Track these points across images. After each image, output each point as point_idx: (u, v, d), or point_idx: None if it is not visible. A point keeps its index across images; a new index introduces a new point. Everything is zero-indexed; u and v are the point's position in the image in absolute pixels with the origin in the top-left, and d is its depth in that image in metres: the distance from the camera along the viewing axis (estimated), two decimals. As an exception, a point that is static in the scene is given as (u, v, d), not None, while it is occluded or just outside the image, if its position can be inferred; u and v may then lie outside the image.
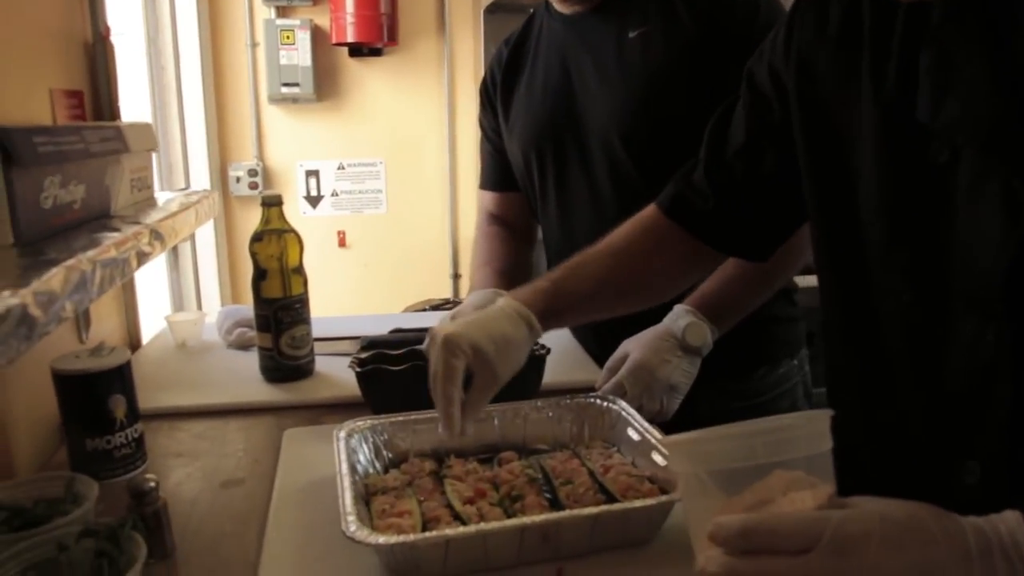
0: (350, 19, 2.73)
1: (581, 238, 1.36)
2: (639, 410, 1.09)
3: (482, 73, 3.10)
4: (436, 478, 0.95)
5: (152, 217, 1.12)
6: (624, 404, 1.07)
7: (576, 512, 0.80)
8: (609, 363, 1.23)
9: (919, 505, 0.54)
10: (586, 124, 1.36)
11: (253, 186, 2.95)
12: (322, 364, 1.47)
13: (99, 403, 1.03)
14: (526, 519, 0.79)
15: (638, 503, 0.82)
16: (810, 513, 0.52)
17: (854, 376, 0.82)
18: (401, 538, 0.76)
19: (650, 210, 1.09)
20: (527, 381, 1.20)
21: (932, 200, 0.69)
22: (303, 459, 1.07)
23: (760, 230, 1.02)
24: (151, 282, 2.59)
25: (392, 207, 3.14)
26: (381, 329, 1.62)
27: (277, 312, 1.35)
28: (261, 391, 1.37)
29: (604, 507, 0.81)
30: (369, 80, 3.02)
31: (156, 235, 1.03)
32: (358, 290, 3.11)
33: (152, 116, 2.57)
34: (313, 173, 3.04)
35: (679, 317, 1.21)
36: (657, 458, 0.94)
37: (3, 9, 1.22)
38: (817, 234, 0.86)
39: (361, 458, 0.99)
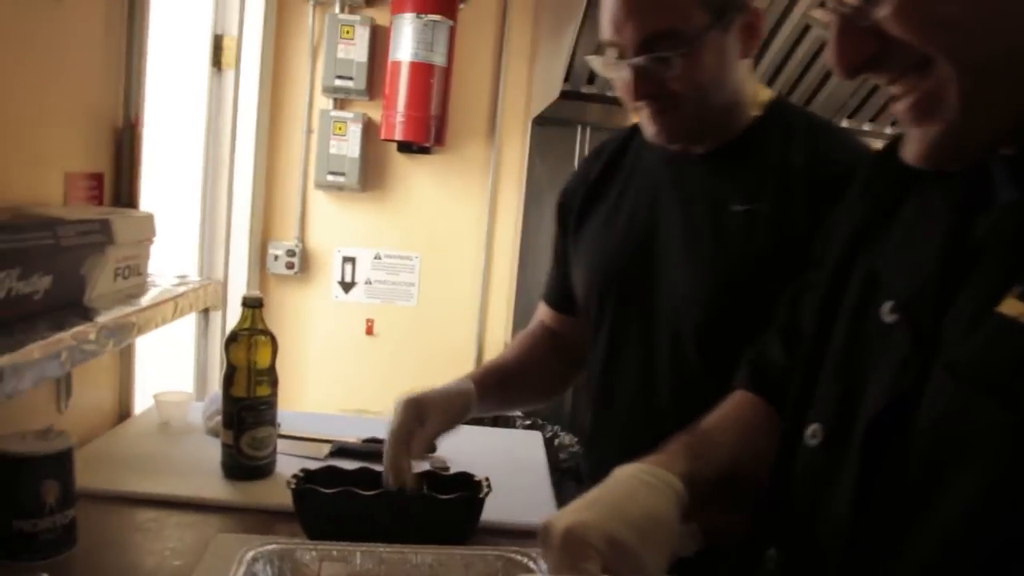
0: (400, 118, 2.83)
1: (620, 399, 1.27)
2: None
3: (524, 182, 3.17)
4: (328, 617, 0.94)
5: (119, 311, 1.16)
6: (544, 566, 1.04)
7: None
8: None
9: None
10: (660, 289, 1.20)
11: (290, 266, 3.03)
12: (290, 465, 1.47)
13: (29, 487, 1.06)
14: None
15: None
16: None
17: None
18: None
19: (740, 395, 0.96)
20: (458, 525, 1.19)
21: None
22: (216, 572, 1.07)
23: None
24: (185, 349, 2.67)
25: (423, 302, 3.17)
26: (366, 432, 1.63)
27: (241, 411, 1.36)
28: (217, 487, 1.38)
29: None
30: (414, 176, 3.11)
31: (108, 332, 1.06)
32: (381, 379, 3.13)
33: (201, 191, 2.68)
34: (350, 260, 3.11)
35: None
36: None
37: (34, 88, 1.31)
38: None
39: (263, 582, 0.98)
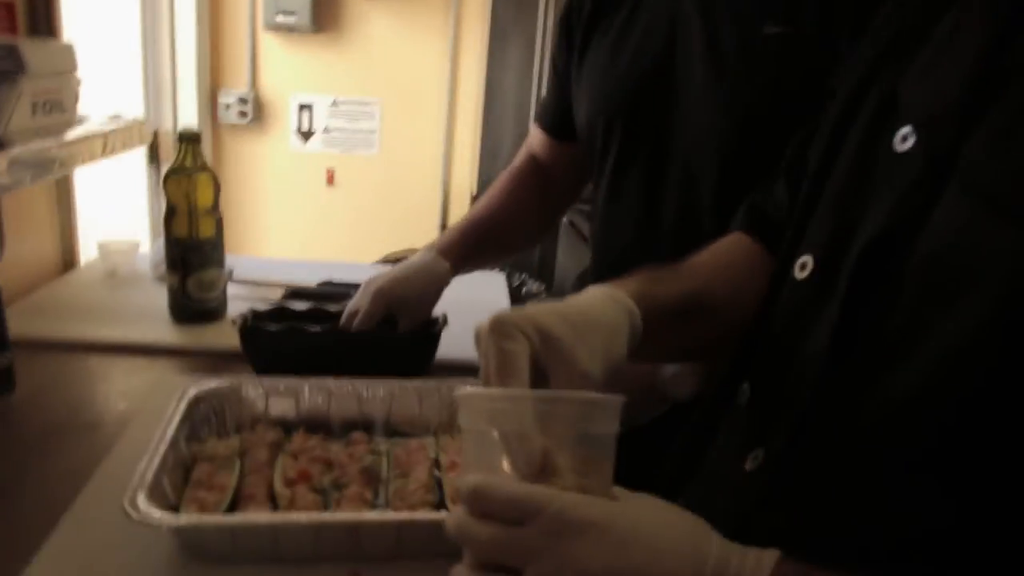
0: (353, -50, 2.64)
1: (619, 241, 1.16)
2: None
3: (488, 21, 3.01)
4: (275, 450, 0.91)
5: (38, 144, 1.07)
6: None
7: (379, 517, 0.75)
8: None
9: (685, 516, 0.50)
10: (674, 119, 1.06)
11: (243, 114, 2.89)
12: (242, 308, 1.42)
13: (-46, 332, 1.00)
14: (326, 515, 0.75)
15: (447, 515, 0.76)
16: (534, 488, 0.49)
17: None
18: (184, 519, 0.71)
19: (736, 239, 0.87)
20: (413, 360, 1.15)
21: None
22: (161, 412, 1.03)
23: None
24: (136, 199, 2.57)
25: (385, 149, 3.06)
26: (322, 276, 1.58)
27: (185, 253, 1.30)
28: (165, 331, 1.33)
29: (410, 515, 0.76)
30: (371, 15, 2.93)
31: (23, 165, 0.98)
32: (343, 229, 3.07)
33: (140, 35, 2.51)
34: (306, 107, 2.97)
35: None
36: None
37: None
38: None
39: (207, 418, 0.94)
